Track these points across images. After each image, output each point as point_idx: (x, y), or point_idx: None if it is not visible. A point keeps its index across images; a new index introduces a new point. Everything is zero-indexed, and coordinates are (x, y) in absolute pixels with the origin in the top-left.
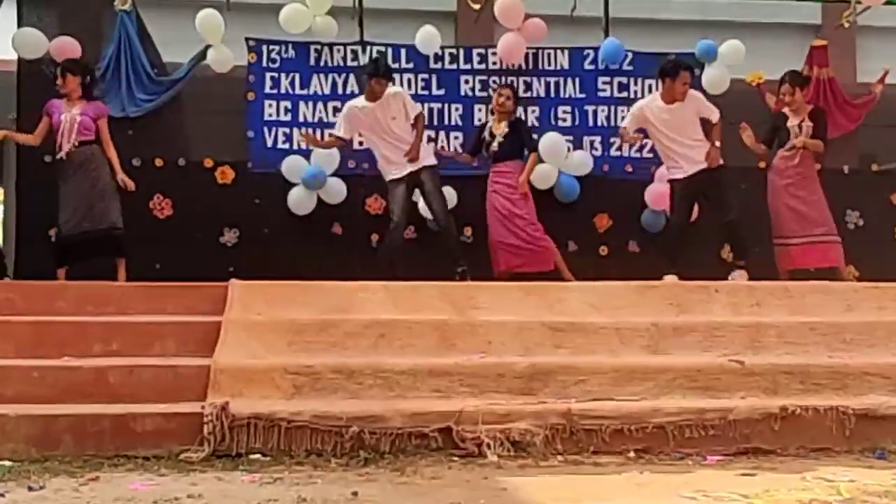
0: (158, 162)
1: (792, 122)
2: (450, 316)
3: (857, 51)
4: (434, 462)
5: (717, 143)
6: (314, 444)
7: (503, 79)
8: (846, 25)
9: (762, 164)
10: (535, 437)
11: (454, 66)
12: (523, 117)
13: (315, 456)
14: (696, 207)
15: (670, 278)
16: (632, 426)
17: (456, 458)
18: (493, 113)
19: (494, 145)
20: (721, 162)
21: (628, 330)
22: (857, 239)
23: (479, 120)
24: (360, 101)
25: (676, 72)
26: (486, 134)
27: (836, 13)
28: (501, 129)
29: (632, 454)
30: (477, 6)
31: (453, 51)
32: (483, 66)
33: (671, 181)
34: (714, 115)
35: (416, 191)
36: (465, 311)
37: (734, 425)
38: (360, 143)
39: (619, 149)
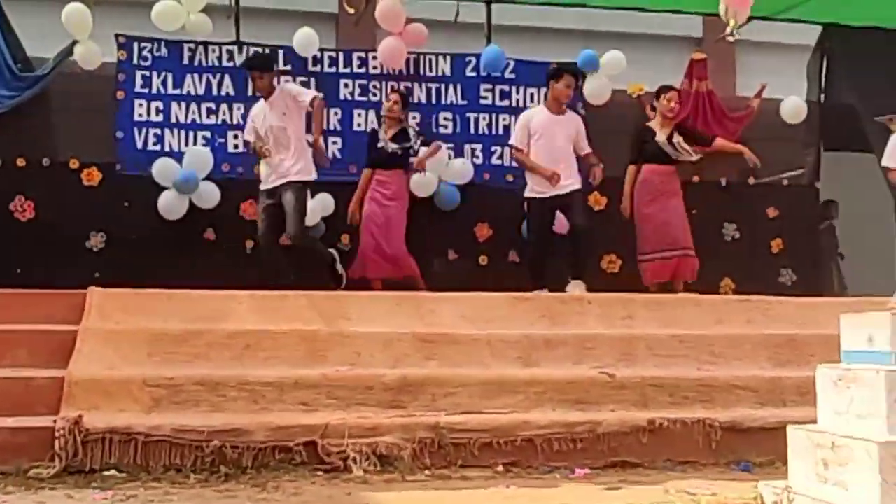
0: (20, 162)
1: (660, 137)
2: (319, 326)
3: (736, 65)
4: (297, 477)
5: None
6: (173, 460)
7: (386, 84)
8: (730, 40)
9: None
10: (403, 451)
11: (333, 70)
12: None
13: (174, 472)
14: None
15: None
16: (501, 439)
17: (320, 473)
18: (382, 119)
19: (390, 149)
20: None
21: (500, 342)
22: (733, 251)
23: (359, 125)
24: (260, 102)
25: (560, 74)
26: (381, 140)
27: (717, 27)
28: (391, 135)
29: (500, 468)
30: (352, 10)
31: (332, 54)
32: (363, 70)
33: (537, 199)
34: (585, 149)
35: None
36: (334, 322)
37: (603, 438)
38: (236, 147)
39: (500, 157)
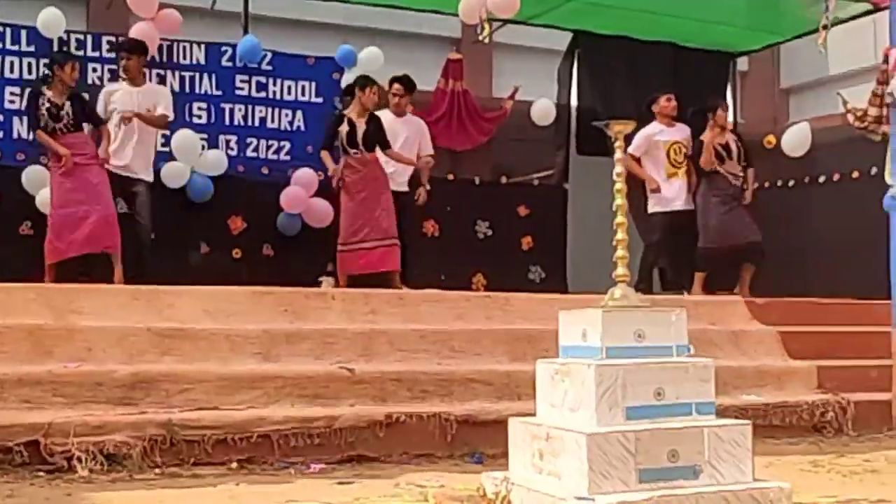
0: None
1: (353, 127)
2: (46, 321)
3: (493, 67)
4: (17, 479)
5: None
6: None
7: None
8: (486, 42)
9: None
10: (132, 449)
11: (81, 53)
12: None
13: None
14: None
15: (326, 281)
16: (236, 436)
17: (42, 474)
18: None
19: (62, 116)
20: None
21: (240, 337)
22: (485, 248)
23: None
24: (118, 84)
25: (366, 83)
26: (48, 107)
27: (474, 28)
28: (63, 102)
29: (235, 465)
30: None
31: (80, 36)
32: (113, 55)
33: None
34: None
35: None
36: (64, 316)
37: (340, 433)
38: None
39: (256, 150)
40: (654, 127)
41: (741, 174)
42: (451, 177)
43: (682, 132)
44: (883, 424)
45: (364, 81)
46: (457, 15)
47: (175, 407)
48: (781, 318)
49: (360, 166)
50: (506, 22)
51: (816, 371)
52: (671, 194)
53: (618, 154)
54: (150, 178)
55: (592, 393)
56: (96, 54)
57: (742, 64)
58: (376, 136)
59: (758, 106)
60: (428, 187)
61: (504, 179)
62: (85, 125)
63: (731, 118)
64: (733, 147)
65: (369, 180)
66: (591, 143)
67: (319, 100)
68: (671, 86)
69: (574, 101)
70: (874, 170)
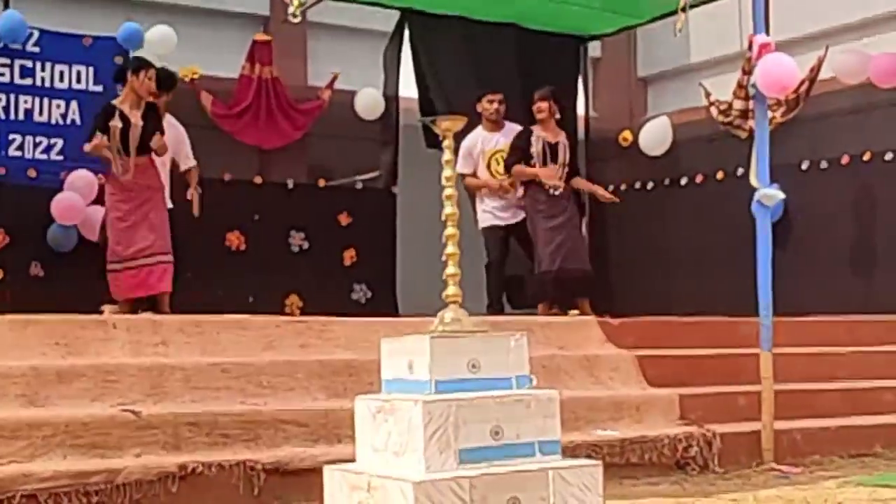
0: None
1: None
2: None
3: (308, 50)
4: None
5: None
6: None
7: None
8: (294, 21)
9: None
10: None
11: None
12: None
13: None
14: None
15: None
16: None
17: None
18: None
19: None
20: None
21: (0, 377)
22: (301, 264)
23: None
24: None
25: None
26: None
27: (285, 6)
28: None
29: None
30: None
31: None
32: None
33: None
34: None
35: None
36: None
37: (123, 489)
38: None
39: (21, 148)
40: (474, 135)
41: (560, 183)
42: (258, 180)
43: (508, 136)
44: (752, 459)
45: (138, 63)
46: None
47: None
48: (639, 340)
49: (137, 171)
50: None
51: (678, 400)
52: (501, 207)
53: (447, 155)
54: None
55: (420, 434)
56: None
57: (594, 49)
58: (154, 135)
59: (612, 97)
60: (199, 191)
61: (322, 182)
62: None
63: (581, 111)
64: (560, 148)
65: (141, 189)
66: (423, 137)
67: (98, 88)
68: (515, 74)
69: (412, 92)
70: (740, 170)
